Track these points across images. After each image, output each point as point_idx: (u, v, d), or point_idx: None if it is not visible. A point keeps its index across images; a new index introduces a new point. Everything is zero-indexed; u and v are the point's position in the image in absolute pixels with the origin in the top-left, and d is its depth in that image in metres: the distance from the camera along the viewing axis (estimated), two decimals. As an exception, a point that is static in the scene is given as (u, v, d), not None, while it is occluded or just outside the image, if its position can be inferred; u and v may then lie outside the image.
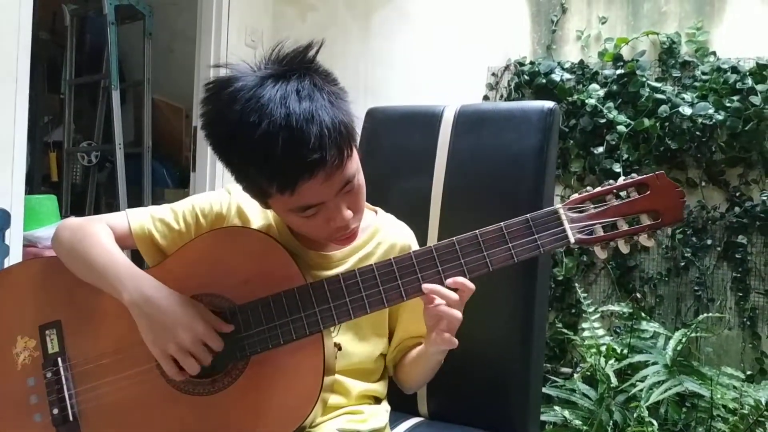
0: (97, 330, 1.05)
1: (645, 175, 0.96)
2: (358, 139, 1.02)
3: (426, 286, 0.96)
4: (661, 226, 0.95)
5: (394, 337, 1.18)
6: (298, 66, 0.94)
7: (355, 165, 0.98)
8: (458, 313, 0.98)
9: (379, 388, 1.17)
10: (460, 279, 0.96)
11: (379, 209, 1.20)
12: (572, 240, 0.95)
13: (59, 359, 1.05)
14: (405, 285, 0.97)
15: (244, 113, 0.89)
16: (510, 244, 0.96)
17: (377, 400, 1.17)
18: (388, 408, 1.18)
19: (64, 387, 1.04)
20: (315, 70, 0.95)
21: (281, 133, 0.88)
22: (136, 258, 1.12)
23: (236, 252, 1.03)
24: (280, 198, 0.94)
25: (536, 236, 0.96)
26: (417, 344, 1.16)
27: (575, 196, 0.97)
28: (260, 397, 0.97)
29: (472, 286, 0.97)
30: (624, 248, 0.97)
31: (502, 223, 0.97)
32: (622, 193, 0.97)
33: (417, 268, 0.97)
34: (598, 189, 0.97)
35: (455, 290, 0.97)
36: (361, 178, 1.01)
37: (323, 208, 0.97)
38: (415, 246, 1.18)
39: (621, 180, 0.97)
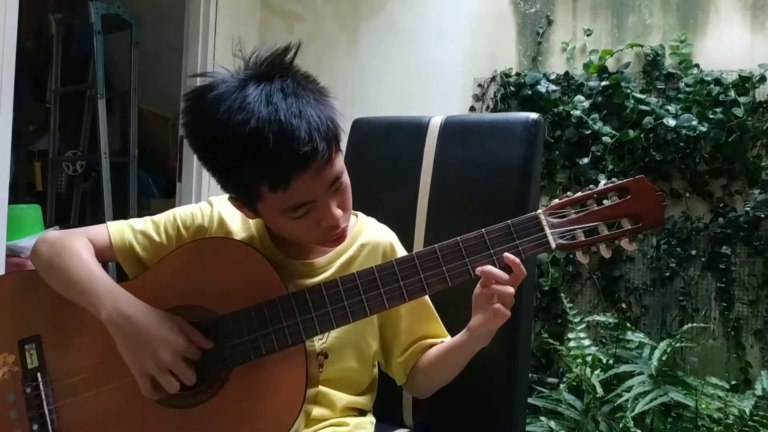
0: (78, 344, 1.04)
1: (625, 180, 0.96)
2: (345, 138, 1.02)
3: (480, 269, 0.95)
4: (642, 230, 0.95)
5: (398, 342, 1.15)
6: (278, 68, 0.94)
7: (341, 162, 0.99)
8: (511, 290, 0.96)
9: (365, 400, 1.16)
10: (517, 259, 0.95)
11: (359, 213, 1.19)
12: (553, 245, 0.95)
13: (39, 374, 1.03)
14: (387, 293, 0.96)
15: (230, 114, 0.89)
16: (492, 250, 0.96)
17: (362, 413, 1.16)
18: (373, 420, 1.18)
19: (44, 402, 1.02)
20: (296, 71, 0.96)
21: (271, 129, 0.88)
22: (120, 270, 1.11)
23: (217, 262, 1.02)
24: (272, 198, 0.94)
25: (517, 242, 0.96)
26: (431, 345, 1.13)
27: (556, 201, 0.97)
28: (242, 409, 0.96)
29: (524, 270, 0.96)
30: (606, 252, 0.96)
31: (483, 230, 0.97)
32: (604, 199, 0.96)
33: (399, 276, 0.96)
34: (579, 194, 0.97)
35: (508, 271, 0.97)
36: (347, 178, 1.01)
37: (313, 208, 0.96)
38: (398, 246, 1.17)
39: (602, 184, 0.97)
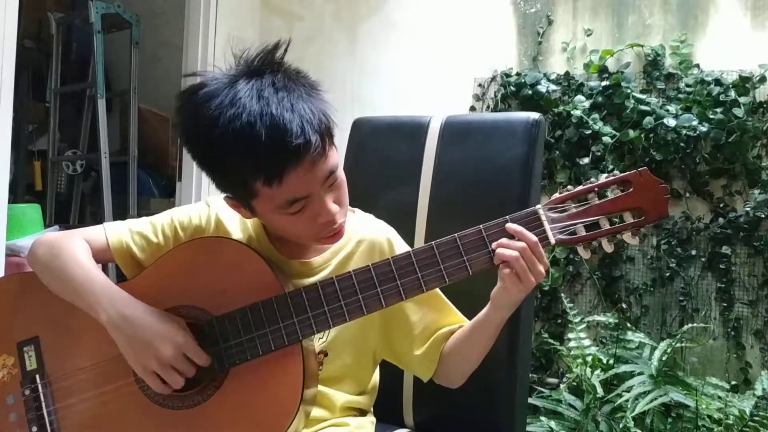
0: (75, 346, 1.04)
1: (628, 172, 0.93)
2: (340, 134, 1.02)
3: (510, 226, 0.93)
4: (646, 223, 0.92)
5: (410, 336, 1.10)
6: (268, 64, 0.94)
7: (336, 157, 0.98)
8: (515, 253, 0.92)
9: (364, 400, 1.16)
10: (519, 227, 0.93)
11: (357, 209, 1.18)
12: (552, 241, 0.94)
13: (37, 376, 1.04)
14: (384, 292, 0.95)
15: (222, 109, 0.89)
16: (489, 247, 0.94)
17: (362, 413, 1.16)
18: (374, 420, 1.18)
19: (43, 404, 1.03)
20: (286, 67, 0.96)
21: (263, 123, 0.88)
22: (120, 272, 1.11)
23: (213, 262, 1.01)
24: (267, 193, 0.93)
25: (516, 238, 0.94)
26: (451, 332, 1.09)
27: (556, 195, 0.95)
28: (239, 410, 0.96)
29: (531, 236, 0.93)
30: (608, 247, 0.94)
31: (481, 226, 0.95)
32: (605, 192, 0.94)
33: (396, 274, 0.95)
34: (580, 188, 0.94)
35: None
36: (342, 173, 1.00)
37: (309, 203, 0.96)
38: (396, 241, 1.15)
39: (603, 177, 0.94)
